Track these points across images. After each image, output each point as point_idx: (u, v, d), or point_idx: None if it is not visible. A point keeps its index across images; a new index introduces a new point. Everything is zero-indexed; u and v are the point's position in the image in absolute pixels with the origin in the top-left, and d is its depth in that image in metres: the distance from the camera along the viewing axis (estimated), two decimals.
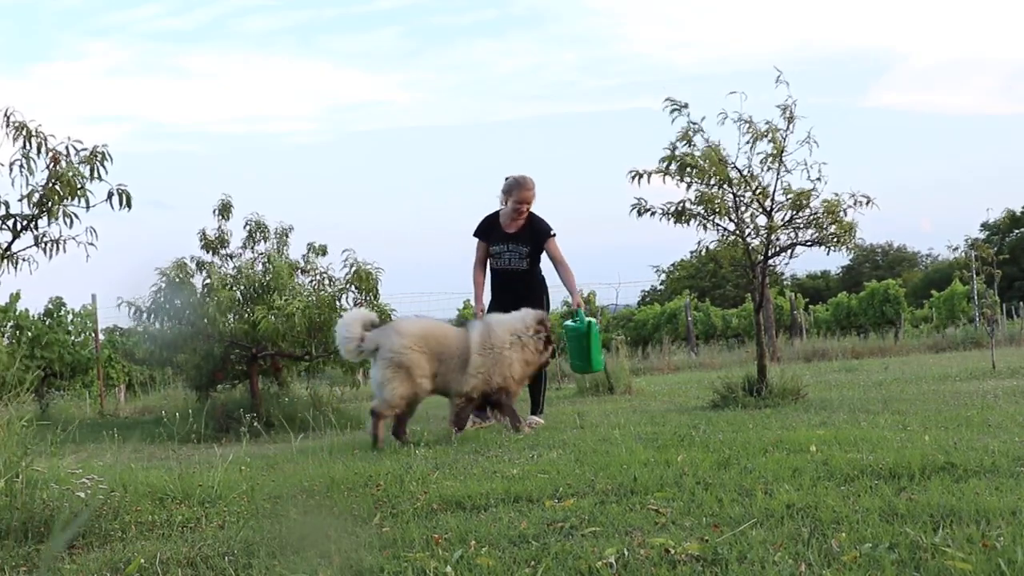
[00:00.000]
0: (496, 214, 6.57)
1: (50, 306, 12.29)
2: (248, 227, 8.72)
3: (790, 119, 6.30)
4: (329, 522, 3.06)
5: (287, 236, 8.82)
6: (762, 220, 6.45)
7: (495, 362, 5.56)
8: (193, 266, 8.15)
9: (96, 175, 4.91)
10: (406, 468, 3.98)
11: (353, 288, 7.93)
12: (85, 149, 4.90)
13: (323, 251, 8.69)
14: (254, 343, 7.81)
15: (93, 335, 12.53)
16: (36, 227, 4.82)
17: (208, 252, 8.60)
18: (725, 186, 6.33)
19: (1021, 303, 23.55)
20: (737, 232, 6.45)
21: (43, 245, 4.86)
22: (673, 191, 6.87)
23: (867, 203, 6.36)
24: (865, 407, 5.68)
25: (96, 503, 3.18)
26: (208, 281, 7.83)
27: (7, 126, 4.71)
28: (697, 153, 6.26)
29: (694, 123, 6.26)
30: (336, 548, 2.58)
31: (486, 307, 6.43)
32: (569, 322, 6.33)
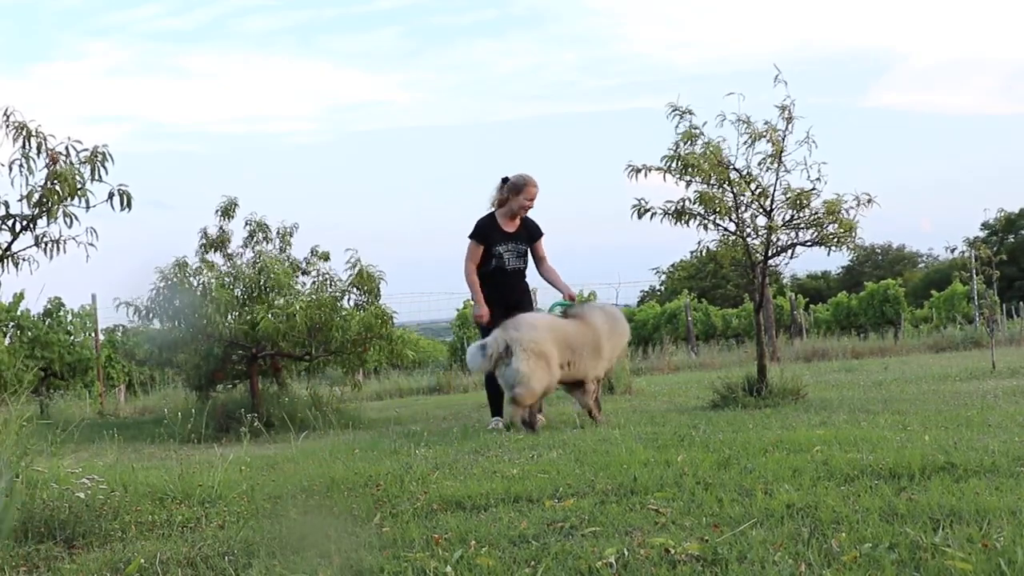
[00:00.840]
0: (492, 216, 6.52)
1: (49, 306, 12.29)
2: (249, 227, 8.72)
3: (789, 119, 6.30)
4: (329, 522, 3.06)
5: (290, 236, 8.82)
6: (762, 220, 6.46)
7: (616, 346, 6.09)
8: (194, 265, 8.14)
9: (96, 176, 4.90)
10: (406, 468, 3.98)
11: (355, 289, 7.93)
12: (85, 149, 4.89)
13: (326, 257, 8.66)
14: (254, 343, 7.81)
15: (93, 335, 12.53)
16: (35, 227, 4.82)
17: (209, 252, 8.60)
18: (725, 185, 6.33)
19: (1021, 303, 23.53)
20: (737, 232, 6.45)
21: (43, 245, 4.86)
22: (672, 189, 6.87)
23: (868, 203, 6.36)
24: (865, 407, 5.68)
25: (96, 503, 3.19)
26: (208, 281, 7.81)
27: (7, 126, 4.71)
28: (698, 152, 6.26)
29: (695, 127, 6.28)
30: (336, 548, 2.58)
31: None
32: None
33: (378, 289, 7.91)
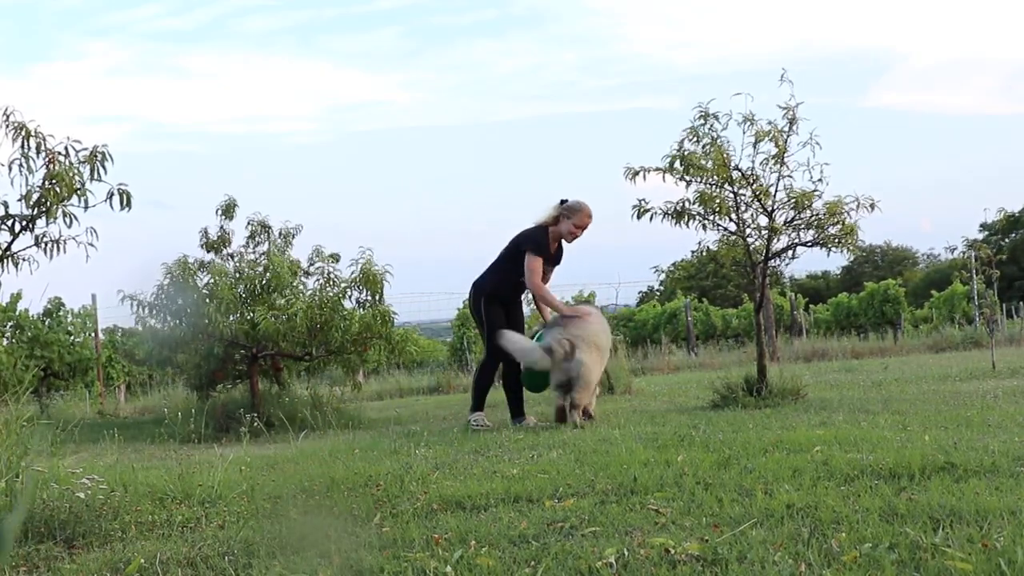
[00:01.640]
0: (545, 231, 6.24)
1: (49, 306, 12.29)
2: (251, 227, 8.71)
3: (792, 120, 6.30)
4: (329, 522, 3.06)
5: (292, 237, 8.81)
6: (763, 220, 6.46)
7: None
8: (195, 265, 8.14)
9: (96, 175, 4.90)
10: (406, 468, 3.98)
11: (357, 288, 7.91)
12: (85, 149, 4.89)
13: (336, 258, 8.58)
14: (254, 343, 7.81)
15: (93, 335, 12.53)
16: (35, 227, 4.82)
17: (210, 252, 8.60)
18: (726, 185, 6.33)
19: (1021, 303, 23.53)
20: (738, 232, 6.45)
21: (43, 245, 4.86)
22: (672, 190, 6.89)
23: (871, 208, 6.34)
24: (865, 407, 5.68)
25: (96, 503, 3.19)
26: (210, 280, 7.82)
27: (6, 126, 4.71)
28: (701, 152, 6.26)
29: (713, 131, 6.26)
30: (336, 548, 2.58)
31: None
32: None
33: (382, 289, 7.90)
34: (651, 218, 6.43)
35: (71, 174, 4.76)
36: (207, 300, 7.51)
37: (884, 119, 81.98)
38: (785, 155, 6.29)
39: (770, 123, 6.30)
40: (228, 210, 8.66)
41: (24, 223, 4.80)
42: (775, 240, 6.48)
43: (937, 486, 2.93)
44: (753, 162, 6.33)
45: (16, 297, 11.80)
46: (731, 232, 6.49)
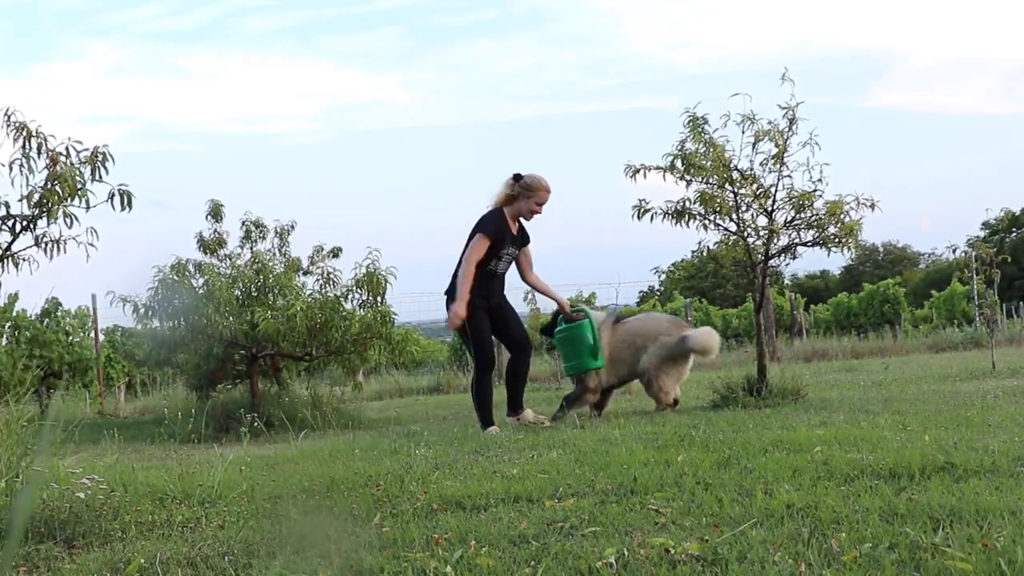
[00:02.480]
0: (501, 213, 5.99)
1: (47, 307, 12.28)
2: (245, 227, 8.72)
3: (792, 120, 6.29)
4: (329, 522, 3.06)
5: (287, 235, 8.82)
6: (763, 220, 6.45)
7: None
8: (192, 266, 8.15)
9: (97, 176, 4.90)
10: (406, 468, 3.98)
11: (359, 289, 7.90)
12: (85, 149, 4.89)
13: (336, 253, 8.63)
14: (254, 343, 7.81)
15: (92, 335, 12.53)
16: (36, 227, 4.82)
17: (206, 254, 8.61)
18: (727, 185, 6.33)
19: (1021, 303, 23.53)
20: (738, 232, 6.45)
21: (43, 245, 4.86)
22: (672, 189, 6.91)
23: (871, 208, 6.34)
24: (865, 407, 5.68)
25: (96, 503, 3.19)
26: (206, 282, 7.82)
27: (7, 126, 4.71)
28: (702, 151, 6.26)
29: (707, 133, 6.27)
30: (336, 548, 2.58)
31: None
32: (562, 325, 6.39)
33: (384, 291, 7.89)
34: (652, 218, 6.43)
35: (73, 175, 4.76)
36: (205, 301, 7.51)
37: (884, 119, 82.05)
38: (785, 155, 6.29)
39: (770, 123, 6.30)
40: (215, 213, 8.70)
41: (24, 223, 4.80)
42: (775, 240, 6.48)
43: (937, 486, 2.93)
44: (752, 162, 6.34)
45: (13, 298, 11.79)
46: (731, 232, 6.49)
